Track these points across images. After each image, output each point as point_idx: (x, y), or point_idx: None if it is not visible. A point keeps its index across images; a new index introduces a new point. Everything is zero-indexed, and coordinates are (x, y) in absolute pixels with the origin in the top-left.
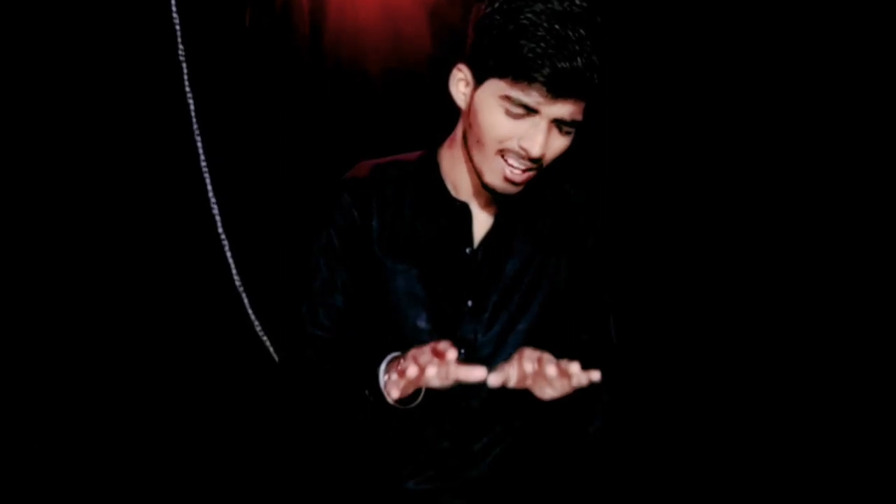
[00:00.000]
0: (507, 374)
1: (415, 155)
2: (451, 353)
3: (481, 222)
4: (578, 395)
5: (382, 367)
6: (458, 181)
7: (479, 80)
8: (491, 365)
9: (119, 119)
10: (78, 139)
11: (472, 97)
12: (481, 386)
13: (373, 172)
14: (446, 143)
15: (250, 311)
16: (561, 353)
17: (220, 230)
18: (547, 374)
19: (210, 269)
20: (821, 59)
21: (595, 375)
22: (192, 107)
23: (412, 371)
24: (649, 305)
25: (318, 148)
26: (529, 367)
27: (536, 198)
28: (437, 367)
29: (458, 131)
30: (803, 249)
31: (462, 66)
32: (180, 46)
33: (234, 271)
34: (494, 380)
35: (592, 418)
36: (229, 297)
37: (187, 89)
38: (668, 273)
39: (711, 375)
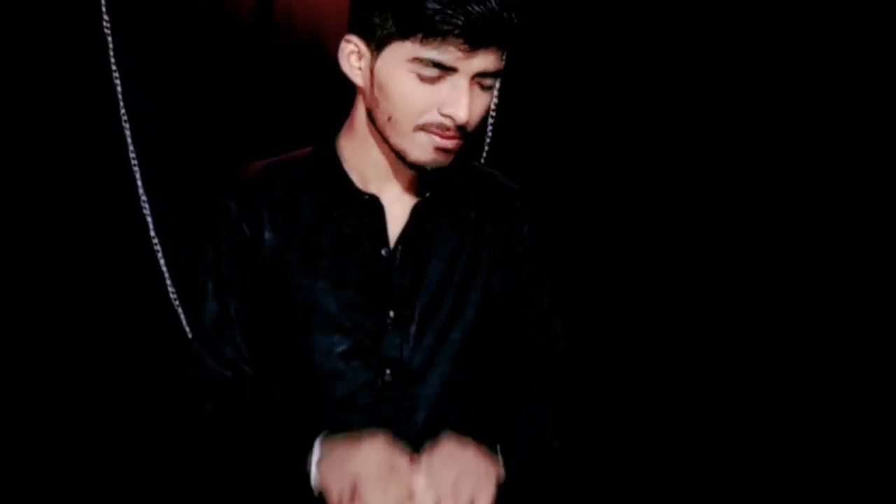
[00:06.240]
0: None
1: (306, 150)
2: None
3: (396, 217)
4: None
5: (314, 454)
6: (366, 171)
7: (376, 47)
8: (423, 382)
9: (31, 101)
10: None
11: (371, 70)
12: (414, 423)
13: (259, 175)
14: (344, 131)
15: (188, 331)
16: (502, 363)
17: (153, 234)
18: None
19: (140, 281)
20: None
21: None
22: (118, 88)
23: None
24: (596, 305)
25: (271, 136)
26: None
27: (456, 183)
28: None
29: (358, 113)
30: (765, 237)
31: (351, 37)
32: (105, 16)
33: (168, 283)
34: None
35: (543, 442)
36: (163, 313)
37: (113, 67)
38: (615, 269)
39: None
